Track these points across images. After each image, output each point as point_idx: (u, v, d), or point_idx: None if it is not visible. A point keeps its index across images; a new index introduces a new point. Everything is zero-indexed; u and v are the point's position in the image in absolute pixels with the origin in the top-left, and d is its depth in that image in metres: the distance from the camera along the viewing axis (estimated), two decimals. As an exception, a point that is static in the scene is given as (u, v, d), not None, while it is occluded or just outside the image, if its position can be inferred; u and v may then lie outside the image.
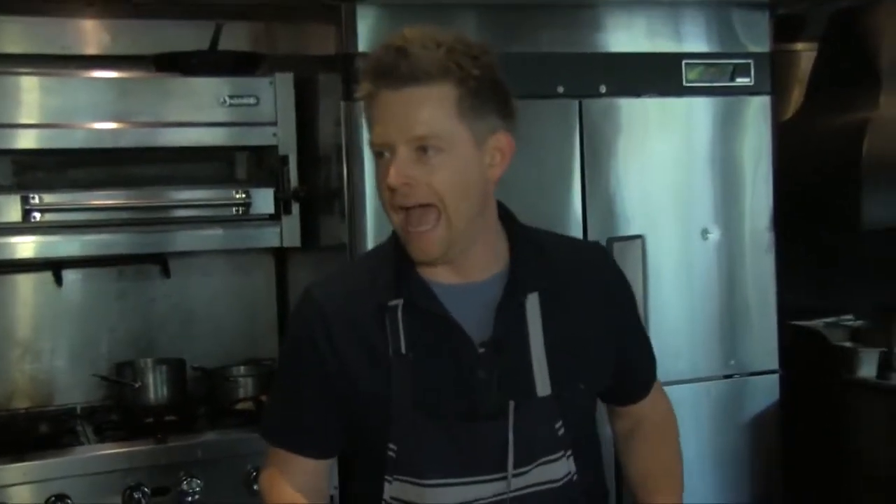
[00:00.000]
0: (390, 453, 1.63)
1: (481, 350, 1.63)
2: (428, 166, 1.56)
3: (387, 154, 1.57)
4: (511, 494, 1.63)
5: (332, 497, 1.91)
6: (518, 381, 1.64)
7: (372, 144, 1.60)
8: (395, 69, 1.54)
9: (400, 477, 1.63)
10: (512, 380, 1.64)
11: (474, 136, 1.58)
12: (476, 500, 1.63)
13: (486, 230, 1.67)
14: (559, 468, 1.66)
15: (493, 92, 1.59)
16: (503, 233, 1.71)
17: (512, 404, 1.61)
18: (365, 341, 1.65)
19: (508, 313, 1.65)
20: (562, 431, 1.66)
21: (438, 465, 1.62)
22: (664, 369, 2.82)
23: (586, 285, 1.74)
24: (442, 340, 1.63)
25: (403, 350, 1.62)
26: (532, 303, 1.66)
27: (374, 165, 1.62)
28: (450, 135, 1.56)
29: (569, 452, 1.66)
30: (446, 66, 1.54)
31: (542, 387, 1.64)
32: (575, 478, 1.68)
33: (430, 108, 1.55)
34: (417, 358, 1.62)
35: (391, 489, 1.65)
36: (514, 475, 1.62)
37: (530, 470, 1.64)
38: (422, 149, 1.55)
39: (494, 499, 1.63)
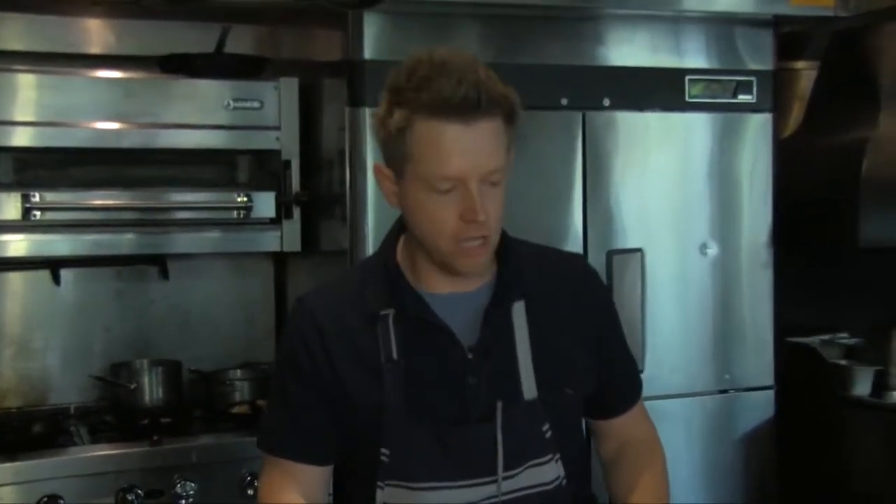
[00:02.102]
0: (383, 458, 1.67)
1: (470, 356, 1.68)
2: (495, 199, 1.61)
3: (449, 187, 1.58)
4: (502, 497, 1.66)
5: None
6: (505, 385, 1.68)
7: (440, 178, 1.58)
8: (469, 103, 1.54)
9: (392, 482, 1.67)
10: (499, 384, 1.68)
11: (509, 161, 1.64)
12: (467, 503, 1.66)
13: None
14: (548, 471, 1.70)
15: (517, 116, 1.64)
16: None
17: (500, 405, 1.66)
18: (357, 349, 1.69)
19: (496, 320, 1.70)
20: (549, 434, 1.70)
21: (430, 468, 1.66)
22: (659, 382, 2.87)
23: (570, 294, 1.79)
24: (432, 347, 1.68)
25: (395, 356, 1.66)
26: (518, 310, 1.71)
27: (424, 195, 1.59)
28: (505, 164, 1.62)
29: (557, 456, 1.71)
30: (497, 100, 1.57)
31: (529, 390, 1.69)
32: (564, 482, 1.71)
33: (496, 141, 1.59)
34: (409, 364, 1.67)
35: (383, 495, 1.67)
36: (505, 478, 1.66)
37: (520, 472, 1.68)
38: (490, 181, 1.59)
39: (486, 502, 1.67)
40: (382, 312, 1.68)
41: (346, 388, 1.69)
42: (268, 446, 1.77)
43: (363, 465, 1.70)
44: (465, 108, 1.54)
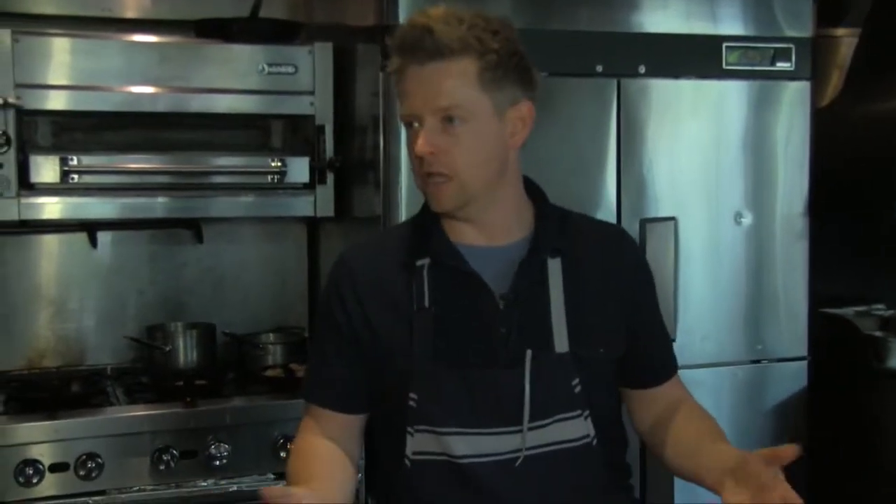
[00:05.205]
0: (411, 403, 1.70)
1: (501, 304, 1.71)
2: (453, 136, 1.66)
3: (415, 125, 1.68)
4: (527, 452, 1.68)
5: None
6: (536, 336, 1.71)
7: (401, 116, 1.72)
8: (420, 45, 1.64)
9: (420, 427, 1.70)
10: (530, 334, 1.71)
11: (495, 107, 1.68)
12: (493, 453, 1.69)
13: (507, 194, 1.76)
14: (576, 427, 1.72)
15: (512, 64, 1.68)
16: (529, 203, 1.81)
17: (529, 353, 1.69)
18: (390, 297, 1.74)
19: (530, 270, 1.73)
20: (578, 389, 1.72)
21: (456, 414, 1.69)
22: (691, 351, 2.86)
23: (607, 259, 1.82)
24: (464, 294, 1.72)
25: (427, 304, 1.71)
26: (554, 266, 1.74)
27: (405, 134, 1.72)
28: (472, 105, 1.65)
29: (586, 413, 1.72)
30: (467, 42, 1.64)
31: (560, 343, 1.71)
32: (594, 443, 1.72)
33: (453, 81, 1.64)
34: (439, 311, 1.71)
35: (413, 443, 1.71)
36: (531, 428, 1.68)
37: (547, 425, 1.70)
38: (447, 119, 1.65)
39: (510, 455, 1.69)
40: (418, 263, 1.74)
41: (378, 335, 1.74)
42: (306, 395, 1.85)
43: (394, 413, 1.74)
44: (415, 49, 1.65)
